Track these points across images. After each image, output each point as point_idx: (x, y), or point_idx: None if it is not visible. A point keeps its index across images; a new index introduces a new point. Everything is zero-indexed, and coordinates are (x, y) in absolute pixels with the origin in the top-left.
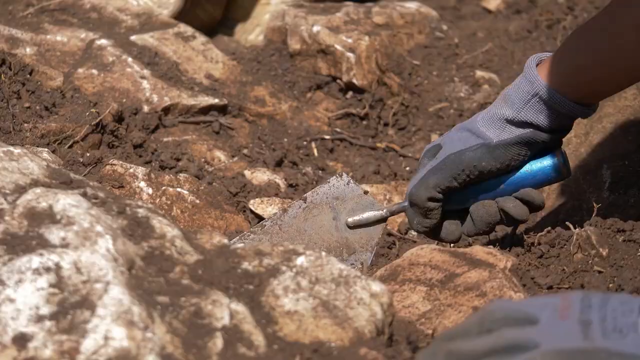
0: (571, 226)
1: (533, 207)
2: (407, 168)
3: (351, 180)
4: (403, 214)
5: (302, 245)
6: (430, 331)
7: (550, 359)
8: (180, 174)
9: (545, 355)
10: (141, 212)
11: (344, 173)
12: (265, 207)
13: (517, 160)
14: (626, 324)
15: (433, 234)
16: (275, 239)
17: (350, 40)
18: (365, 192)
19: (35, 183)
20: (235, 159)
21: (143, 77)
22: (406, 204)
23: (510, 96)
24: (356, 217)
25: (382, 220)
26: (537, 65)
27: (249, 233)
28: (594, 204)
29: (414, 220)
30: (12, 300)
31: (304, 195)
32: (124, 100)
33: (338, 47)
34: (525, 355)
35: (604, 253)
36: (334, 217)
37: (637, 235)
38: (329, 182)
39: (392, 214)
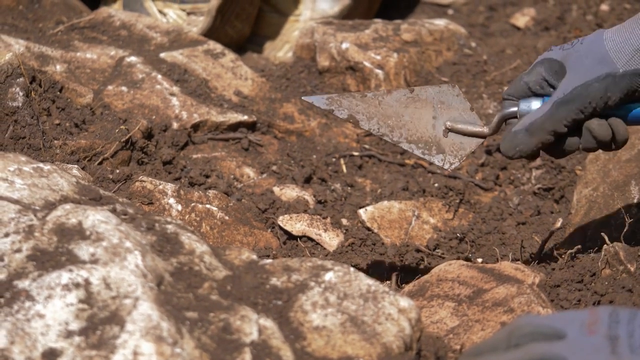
0: (606, 238)
1: (615, 140)
2: (436, 185)
3: (461, 94)
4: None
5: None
6: (458, 347)
7: None
8: (210, 191)
9: None
10: (170, 228)
11: (456, 85)
12: (294, 223)
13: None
14: None
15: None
16: (371, 110)
17: (378, 57)
18: (471, 109)
19: (64, 199)
20: (264, 175)
21: (172, 94)
22: (518, 128)
23: None
24: (457, 125)
25: (481, 136)
26: None
27: (349, 94)
28: (626, 219)
29: (520, 147)
30: (41, 316)
31: (413, 87)
32: (154, 117)
33: (367, 63)
34: None
35: (632, 269)
36: (434, 116)
37: None
38: (440, 86)
39: (494, 132)
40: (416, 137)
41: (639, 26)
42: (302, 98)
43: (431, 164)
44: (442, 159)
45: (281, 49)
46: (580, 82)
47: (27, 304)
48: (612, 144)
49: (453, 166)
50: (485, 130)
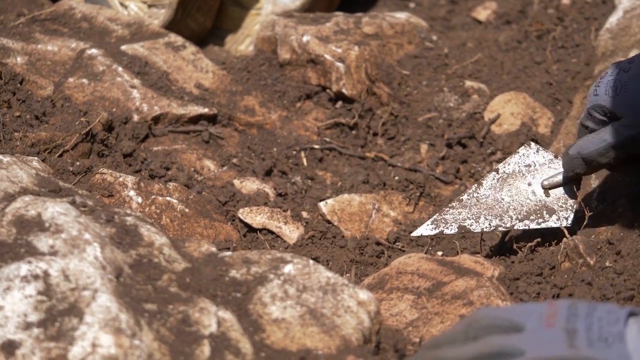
0: (565, 232)
1: None
2: (396, 178)
3: (540, 148)
4: None
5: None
6: (417, 339)
7: None
8: (170, 183)
9: None
10: (130, 220)
11: (531, 142)
12: (254, 216)
13: None
14: (612, 333)
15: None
16: (475, 210)
17: (339, 50)
18: (556, 157)
19: (24, 191)
20: (225, 168)
21: (133, 87)
22: (574, 153)
23: None
24: (552, 180)
25: (578, 178)
26: None
27: (448, 208)
28: (586, 212)
29: (577, 170)
30: (0, 308)
31: (495, 167)
32: (114, 109)
33: (328, 57)
34: None
35: (592, 262)
36: (529, 182)
37: (624, 245)
38: (518, 152)
39: (587, 173)
40: (525, 212)
41: None
42: (412, 235)
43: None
44: (557, 218)
45: (243, 43)
46: (633, 133)
47: None
48: None
49: (570, 220)
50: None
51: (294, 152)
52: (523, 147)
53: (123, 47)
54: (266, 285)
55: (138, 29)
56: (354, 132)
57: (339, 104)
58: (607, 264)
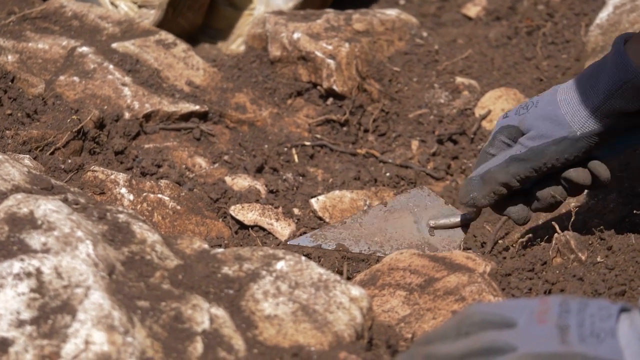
0: (557, 227)
1: (598, 181)
2: (387, 174)
3: (431, 192)
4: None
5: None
6: (409, 335)
7: None
8: (161, 181)
9: (521, 359)
10: (122, 217)
11: (423, 186)
12: (245, 213)
13: (599, 147)
14: (604, 329)
15: (497, 208)
16: (355, 233)
17: (330, 47)
18: (446, 203)
19: (16, 189)
20: (216, 165)
21: (124, 84)
22: (473, 175)
23: (598, 83)
24: (438, 221)
25: (465, 225)
26: (624, 43)
27: (329, 227)
28: (572, 210)
29: (474, 194)
30: None
31: (384, 201)
32: (105, 107)
33: (318, 53)
34: (502, 358)
35: (583, 257)
36: (415, 220)
37: (615, 240)
38: (409, 192)
39: (476, 217)
40: (407, 245)
41: (591, 86)
42: (288, 243)
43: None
44: None
45: (234, 42)
46: (536, 143)
47: None
48: (595, 185)
49: None
50: (468, 215)
51: (285, 149)
52: (415, 188)
53: (114, 45)
54: (258, 282)
55: (129, 27)
56: (345, 128)
57: (330, 100)
58: (598, 259)
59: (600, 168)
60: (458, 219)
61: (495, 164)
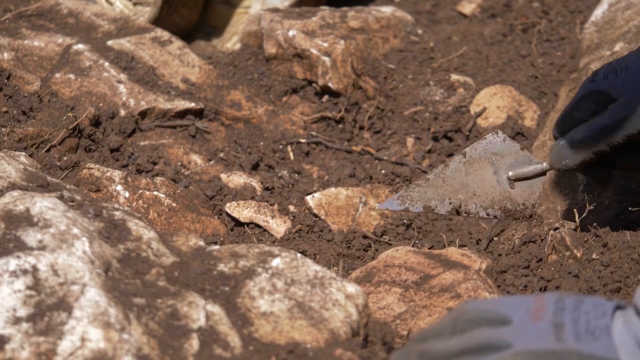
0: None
1: None
2: (383, 171)
3: (507, 137)
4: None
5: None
6: (405, 332)
7: None
8: (157, 178)
9: (516, 356)
10: (118, 214)
11: (499, 130)
12: (241, 210)
13: None
14: (599, 326)
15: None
16: (440, 191)
17: (325, 44)
18: (522, 149)
19: (12, 186)
20: (212, 162)
21: (120, 82)
22: (564, 142)
23: None
24: (517, 171)
25: (543, 173)
26: None
27: (414, 186)
28: (559, 207)
29: (565, 161)
30: None
31: (463, 150)
32: (101, 104)
33: (314, 51)
34: (497, 356)
35: (579, 254)
36: (495, 171)
37: (611, 237)
38: (485, 138)
39: (558, 170)
40: (489, 201)
41: None
42: (377, 207)
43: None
44: (519, 211)
45: (230, 40)
46: (630, 112)
47: None
48: None
49: (532, 214)
50: (545, 165)
51: (281, 146)
52: (491, 134)
53: (109, 43)
54: (254, 279)
55: (124, 24)
56: (340, 126)
57: (325, 98)
58: (594, 256)
59: None
60: (537, 168)
61: (588, 132)
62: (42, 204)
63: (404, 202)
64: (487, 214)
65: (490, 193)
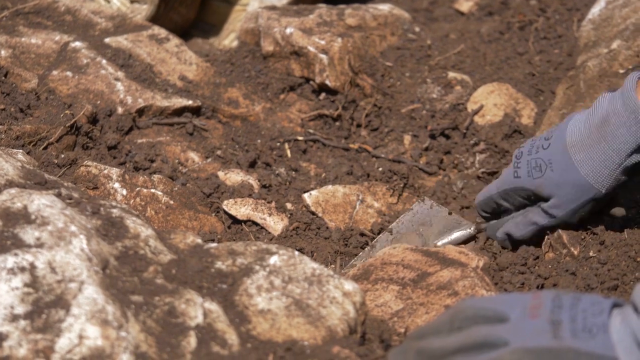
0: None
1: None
2: (380, 169)
3: (434, 203)
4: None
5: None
6: (402, 330)
7: (519, 357)
8: (154, 175)
9: (513, 353)
10: (115, 212)
11: (425, 197)
12: (238, 207)
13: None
14: (596, 324)
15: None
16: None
17: (323, 42)
18: (450, 213)
19: (10, 184)
20: (209, 160)
21: (117, 79)
22: (501, 237)
23: (616, 139)
24: (445, 240)
25: (471, 238)
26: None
27: (339, 269)
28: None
29: (500, 244)
30: None
31: (389, 227)
32: (98, 102)
33: (311, 48)
34: (494, 353)
35: (575, 252)
36: (423, 243)
37: (608, 235)
38: (412, 209)
39: (480, 230)
40: None
41: (608, 144)
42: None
43: None
44: None
45: (227, 38)
46: (564, 211)
47: None
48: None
49: None
50: (473, 230)
51: (278, 144)
52: (416, 202)
53: (107, 40)
54: (252, 277)
55: (122, 22)
56: (337, 123)
57: (323, 95)
58: (591, 254)
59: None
60: (463, 232)
61: (527, 231)
62: (40, 202)
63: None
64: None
65: None
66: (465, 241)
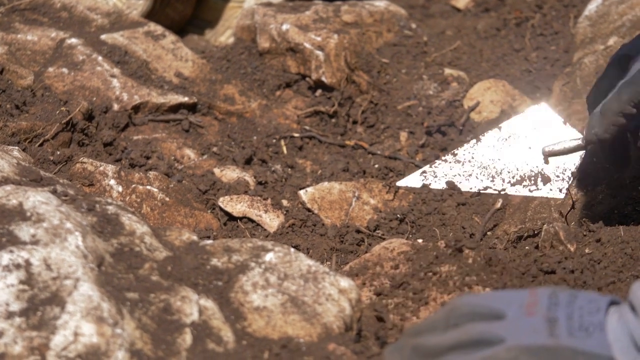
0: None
1: None
2: (376, 166)
3: (550, 110)
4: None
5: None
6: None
7: (515, 355)
8: (150, 172)
9: (509, 351)
10: (111, 209)
11: (542, 102)
12: (234, 204)
13: None
14: (592, 322)
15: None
16: (467, 167)
17: (319, 39)
18: (565, 122)
19: (5, 180)
20: (205, 156)
21: (113, 76)
22: (594, 111)
23: None
24: (553, 147)
25: (579, 149)
26: None
27: (440, 161)
28: (571, 198)
29: (595, 129)
30: None
31: (499, 124)
32: (94, 98)
33: (307, 45)
34: (490, 350)
35: (572, 249)
36: (530, 146)
37: (604, 232)
38: (525, 111)
39: (590, 142)
40: (519, 177)
41: None
42: (397, 184)
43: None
44: (550, 189)
45: (223, 34)
46: None
47: None
48: None
49: (563, 192)
50: (582, 142)
51: (274, 141)
52: (533, 106)
53: (103, 37)
54: (247, 274)
55: (117, 18)
56: (333, 120)
57: (319, 92)
58: (587, 251)
59: None
60: (576, 143)
61: (612, 94)
62: (35, 199)
63: (427, 178)
64: (515, 191)
65: (522, 169)
66: (571, 151)
